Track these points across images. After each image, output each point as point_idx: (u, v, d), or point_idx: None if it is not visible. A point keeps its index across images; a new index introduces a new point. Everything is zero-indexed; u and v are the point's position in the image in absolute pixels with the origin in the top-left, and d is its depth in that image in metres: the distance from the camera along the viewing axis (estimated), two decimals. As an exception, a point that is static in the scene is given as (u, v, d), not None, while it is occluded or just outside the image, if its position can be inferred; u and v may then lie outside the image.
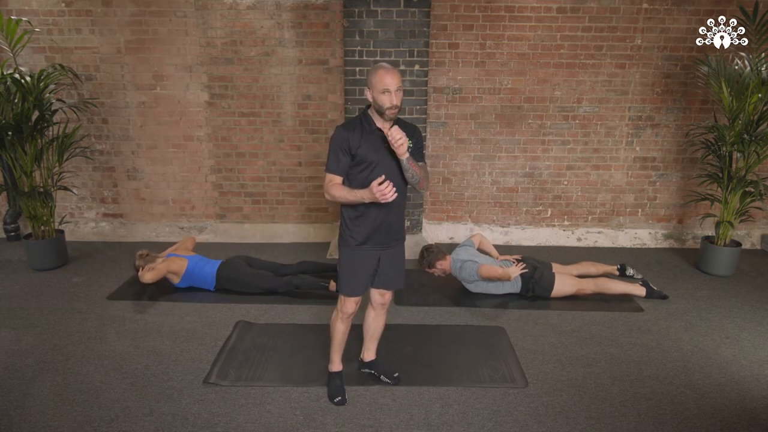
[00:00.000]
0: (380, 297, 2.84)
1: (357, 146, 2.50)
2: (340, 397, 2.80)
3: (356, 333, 3.09)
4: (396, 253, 2.74)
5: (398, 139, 2.40)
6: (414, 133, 2.64)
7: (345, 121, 2.62)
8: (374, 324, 2.95)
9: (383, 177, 2.40)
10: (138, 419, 2.65)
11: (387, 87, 2.44)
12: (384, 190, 2.35)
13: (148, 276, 3.77)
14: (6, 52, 4.52)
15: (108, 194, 5.22)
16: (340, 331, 2.82)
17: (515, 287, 3.99)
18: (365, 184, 2.46)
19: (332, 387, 2.87)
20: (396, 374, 3.00)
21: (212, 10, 4.72)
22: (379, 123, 2.54)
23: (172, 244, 5.02)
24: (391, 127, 2.46)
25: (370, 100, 2.51)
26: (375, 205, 2.52)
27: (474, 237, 4.22)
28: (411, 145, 2.56)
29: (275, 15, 4.74)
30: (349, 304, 2.73)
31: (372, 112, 2.55)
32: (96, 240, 5.26)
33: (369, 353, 3.04)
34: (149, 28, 4.76)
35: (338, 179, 2.54)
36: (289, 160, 5.10)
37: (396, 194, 2.39)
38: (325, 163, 2.59)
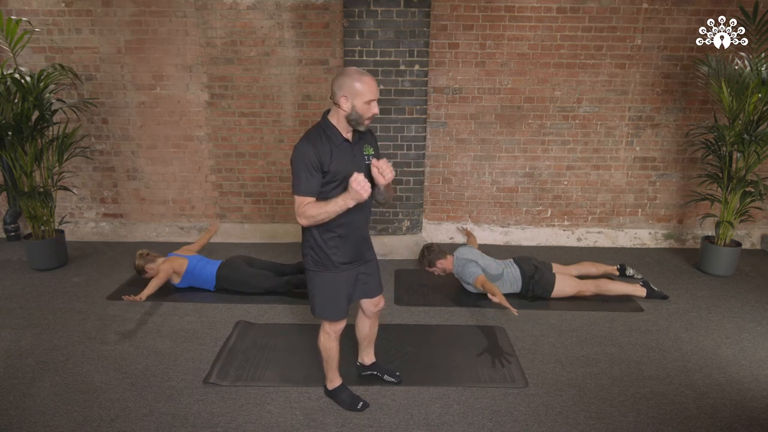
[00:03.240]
0: (374, 306, 2.78)
1: (329, 162, 2.28)
2: (361, 402, 2.75)
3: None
4: (372, 263, 2.68)
5: (389, 174, 2.29)
6: (373, 138, 2.54)
7: (307, 135, 2.31)
8: (371, 330, 2.92)
9: (355, 174, 2.20)
10: (138, 419, 2.65)
11: (375, 96, 2.29)
12: (363, 183, 2.17)
13: (162, 277, 3.81)
14: (6, 52, 4.52)
15: (108, 194, 5.21)
16: (333, 350, 2.69)
17: (515, 287, 3.99)
18: None
19: (345, 398, 2.77)
20: (398, 373, 3.01)
21: (212, 10, 4.72)
22: (345, 133, 2.36)
23: (171, 244, 5.03)
24: (354, 136, 2.39)
25: (346, 109, 2.29)
26: (348, 221, 2.39)
27: (470, 241, 4.27)
28: (373, 152, 2.46)
29: (275, 15, 4.73)
30: (339, 325, 2.64)
31: (336, 121, 2.34)
32: (96, 240, 5.26)
33: (369, 357, 3.03)
34: (149, 28, 4.76)
35: (311, 200, 2.30)
36: (289, 160, 5.08)
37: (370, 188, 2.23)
38: (293, 186, 2.30)
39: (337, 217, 2.35)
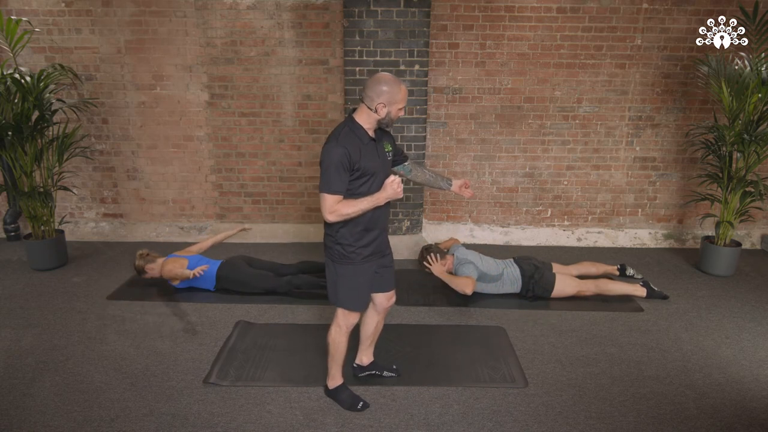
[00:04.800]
0: (386, 301, 2.83)
1: (357, 160, 2.42)
2: (362, 402, 2.77)
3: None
4: (389, 257, 2.76)
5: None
6: (390, 136, 2.69)
7: (337, 136, 2.44)
8: (377, 328, 2.95)
9: (392, 177, 2.43)
10: (138, 419, 2.65)
11: (406, 103, 2.51)
12: (398, 186, 2.41)
13: (178, 272, 3.83)
14: (6, 52, 4.52)
15: (108, 194, 5.21)
16: (342, 344, 2.73)
17: (515, 287, 3.99)
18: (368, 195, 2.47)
19: (346, 398, 2.79)
20: (395, 366, 3.05)
21: (212, 10, 4.72)
22: (370, 132, 2.51)
23: (171, 244, 5.03)
24: (377, 134, 2.54)
25: (382, 115, 2.45)
26: (375, 215, 2.52)
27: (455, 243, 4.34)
28: (391, 149, 2.63)
29: (275, 15, 4.73)
30: (353, 318, 2.70)
31: (364, 122, 2.48)
32: (96, 240, 5.26)
33: (368, 357, 3.04)
34: (149, 28, 4.76)
35: (340, 198, 2.43)
36: (289, 160, 5.10)
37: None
38: (322, 184, 2.41)
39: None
